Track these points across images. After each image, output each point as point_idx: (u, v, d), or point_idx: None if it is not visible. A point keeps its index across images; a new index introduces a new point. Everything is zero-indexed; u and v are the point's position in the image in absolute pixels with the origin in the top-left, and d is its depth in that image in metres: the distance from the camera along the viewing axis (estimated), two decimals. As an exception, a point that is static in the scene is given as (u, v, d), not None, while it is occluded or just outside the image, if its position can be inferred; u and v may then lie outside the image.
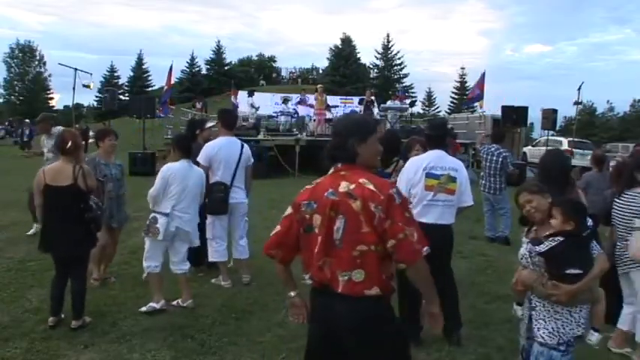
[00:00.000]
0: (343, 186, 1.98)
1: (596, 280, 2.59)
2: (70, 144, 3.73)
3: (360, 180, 1.97)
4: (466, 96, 23.87)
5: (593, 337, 2.60)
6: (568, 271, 2.44)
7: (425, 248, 1.95)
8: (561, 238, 2.48)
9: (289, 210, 2.13)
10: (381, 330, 1.98)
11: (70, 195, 3.68)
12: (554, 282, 2.45)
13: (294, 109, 17.72)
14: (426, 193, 3.55)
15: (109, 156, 4.74)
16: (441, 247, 3.28)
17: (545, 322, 2.53)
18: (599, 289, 2.63)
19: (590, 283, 2.51)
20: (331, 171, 2.10)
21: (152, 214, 4.10)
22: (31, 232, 6.36)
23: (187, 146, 4.29)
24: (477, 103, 18.76)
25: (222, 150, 4.68)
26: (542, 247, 2.51)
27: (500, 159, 6.98)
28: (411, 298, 3.31)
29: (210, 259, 4.90)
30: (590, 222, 2.61)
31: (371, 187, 1.94)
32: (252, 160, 5.05)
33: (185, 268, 4.30)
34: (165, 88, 20.00)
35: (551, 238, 2.51)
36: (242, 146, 4.86)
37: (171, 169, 4.12)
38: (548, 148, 11.89)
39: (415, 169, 3.61)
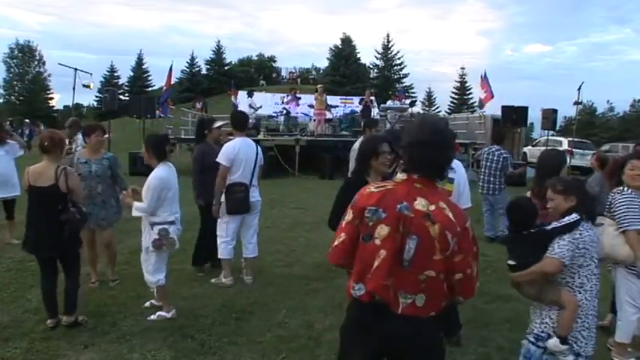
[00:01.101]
0: (420, 204, 1.84)
1: (553, 284, 2.55)
2: (46, 143, 3.70)
3: (440, 203, 1.86)
4: (475, 102, 23.76)
5: (549, 341, 2.55)
6: (508, 262, 2.65)
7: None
8: (506, 232, 2.68)
9: (350, 215, 1.94)
10: (435, 344, 1.99)
11: (51, 196, 3.65)
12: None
13: (283, 107, 17.72)
14: None
15: (96, 152, 4.65)
16: None
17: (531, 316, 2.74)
18: (570, 299, 2.52)
19: (526, 277, 2.57)
20: (402, 177, 1.93)
21: (159, 227, 3.84)
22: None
23: (163, 148, 4.01)
24: (476, 102, 18.80)
25: (242, 150, 4.73)
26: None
27: (501, 159, 7.03)
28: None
29: (220, 256, 4.89)
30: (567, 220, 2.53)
31: (450, 215, 1.84)
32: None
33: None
34: (165, 88, 19.97)
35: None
36: (257, 146, 4.95)
37: (161, 179, 3.85)
38: (548, 148, 11.89)
39: None
